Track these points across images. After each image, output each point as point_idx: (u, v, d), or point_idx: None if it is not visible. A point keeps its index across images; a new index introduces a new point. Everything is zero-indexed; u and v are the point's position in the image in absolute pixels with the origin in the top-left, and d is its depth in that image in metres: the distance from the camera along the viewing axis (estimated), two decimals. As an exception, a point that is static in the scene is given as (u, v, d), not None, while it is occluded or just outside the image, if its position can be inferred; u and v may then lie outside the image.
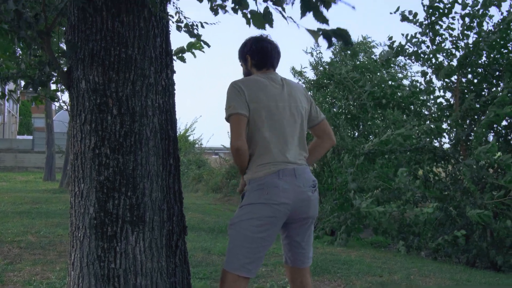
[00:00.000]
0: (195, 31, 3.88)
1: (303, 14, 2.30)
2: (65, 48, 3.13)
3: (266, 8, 2.42)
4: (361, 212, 7.03)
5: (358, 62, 14.19)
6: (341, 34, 2.21)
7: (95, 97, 3.07)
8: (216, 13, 3.31)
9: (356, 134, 13.76)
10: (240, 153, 2.99)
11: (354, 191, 7.54)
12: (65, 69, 3.21)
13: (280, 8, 2.41)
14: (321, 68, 15.70)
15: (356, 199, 7.39)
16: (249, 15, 2.63)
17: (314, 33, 2.35)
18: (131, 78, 3.09)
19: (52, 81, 3.46)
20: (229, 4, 2.96)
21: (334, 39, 2.18)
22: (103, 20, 3.10)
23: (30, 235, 7.80)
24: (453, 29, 8.67)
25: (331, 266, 6.12)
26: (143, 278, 3.03)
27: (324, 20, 2.34)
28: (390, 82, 10.39)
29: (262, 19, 2.58)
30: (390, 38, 9.05)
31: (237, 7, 2.79)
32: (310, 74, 19.92)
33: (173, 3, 3.66)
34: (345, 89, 13.01)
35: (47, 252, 6.61)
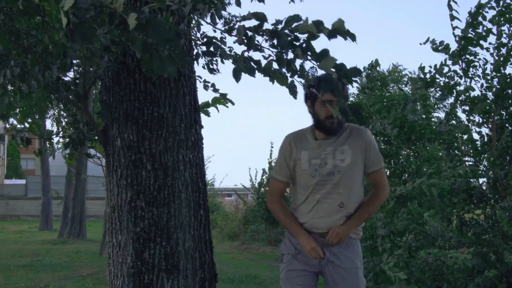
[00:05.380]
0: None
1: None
2: (100, 108, 3.90)
3: (292, 82, 3.16)
4: (384, 273, 7.66)
5: (388, 94, 14.87)
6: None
7: (130, 153, 3.83)
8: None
9: (388, 172, 14.29)
10: None
11: (382, 237, 8.16)
12: (101, 128, 3.98)
13: (303, 81, 3.16)
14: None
15: (384, 244, 8.00)
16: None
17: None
18: (163, 135, 3.86)
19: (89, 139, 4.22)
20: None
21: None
22: (136, 81, 3.87)
23: (39, 290, 8.53)
24: (486, 61, 9.16)
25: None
26: (178, 324, 3.75)
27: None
28: (422, 116, 10.90)
29: (286, 78, 3.33)
30: (422, 69, 9.43)
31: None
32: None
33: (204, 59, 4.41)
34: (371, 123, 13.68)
35: (62, 306, 7.33)
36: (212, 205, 24.15)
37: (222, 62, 4.88)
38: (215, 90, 4.48)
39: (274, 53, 3.28)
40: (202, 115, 4.73)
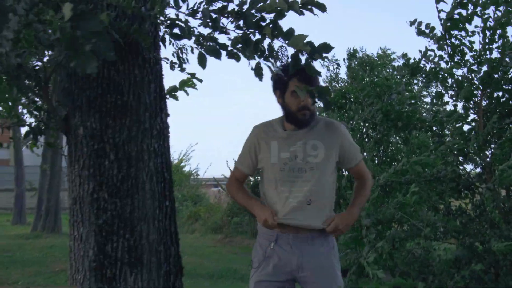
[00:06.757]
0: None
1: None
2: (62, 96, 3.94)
3: (258, 64, 3.23)
4: (364, 269, 7.71)
5: (376, 79, 14.92)
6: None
7: (93, 142, 3.88)
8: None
9: (376, 160, 14.33)
10: None
11: (367, 227, 8.23)
12: (63, 117, 4.01)
13: (269, 64, 3.22)
14: (338, 85, 16.39)
15: (369, 235, 8.07)
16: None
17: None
18: (127, 124, 3.91)
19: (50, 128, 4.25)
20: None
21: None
22: (99, 68, 3.89)
23: (7, 286, 8.54)
24: (472, 43, 9.17)
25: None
26: (142, 319, 3.81)
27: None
28: (408, 102, 11.01)
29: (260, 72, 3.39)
30: (405, 55, 9.58)
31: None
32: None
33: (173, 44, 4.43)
34: (362, 109, 13.75)
35: (30, 303, 7.36)
36: (195, 196, 24.09)
37: (192, 52, 4.93)
38: (182, 70, 4.48)
39: (241, 35, 3.34)
40: (172, 100, 4.76)
